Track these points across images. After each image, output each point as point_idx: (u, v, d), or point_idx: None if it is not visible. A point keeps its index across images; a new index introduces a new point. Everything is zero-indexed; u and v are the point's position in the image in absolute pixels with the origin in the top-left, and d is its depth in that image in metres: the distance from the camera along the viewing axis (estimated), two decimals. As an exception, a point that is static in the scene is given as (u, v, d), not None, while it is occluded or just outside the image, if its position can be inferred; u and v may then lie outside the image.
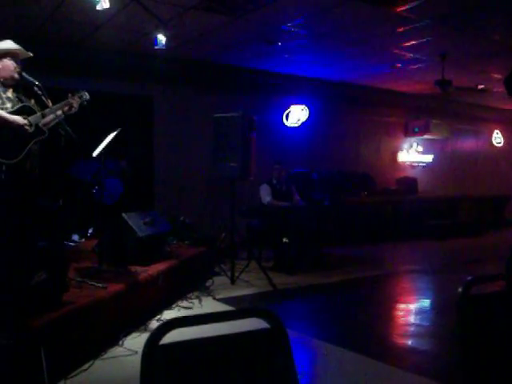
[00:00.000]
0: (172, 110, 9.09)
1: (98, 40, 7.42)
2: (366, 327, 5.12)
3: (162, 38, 6.45)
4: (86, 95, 4.52)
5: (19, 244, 3.73)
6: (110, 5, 5.51)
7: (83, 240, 6.85)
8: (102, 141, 5.23)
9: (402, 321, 5.48)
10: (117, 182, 7.10)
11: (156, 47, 6.47)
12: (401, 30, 7.21)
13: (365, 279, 7.23)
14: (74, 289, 4.16)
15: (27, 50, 4.43)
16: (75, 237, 6.73)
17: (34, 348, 3.14)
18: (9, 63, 4.24)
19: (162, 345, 1.29)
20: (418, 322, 5.33)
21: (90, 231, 7.03)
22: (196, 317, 1.31)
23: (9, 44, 4.32)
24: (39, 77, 4.30)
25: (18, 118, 4.04)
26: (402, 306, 6.12)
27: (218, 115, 6.43)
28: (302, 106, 10.46)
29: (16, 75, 4.25)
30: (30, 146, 4.02)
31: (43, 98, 4.19)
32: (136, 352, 4.03)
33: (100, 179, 6.73)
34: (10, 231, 3.74)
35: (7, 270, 3.44)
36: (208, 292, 5.93)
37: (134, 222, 5.27)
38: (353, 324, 5.22)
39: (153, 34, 6.58)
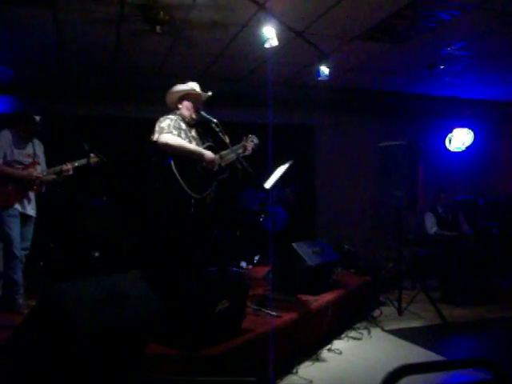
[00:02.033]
0: (333, 139, 9.20)
1: (262, 73, 7.73)
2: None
3: (324, 70, 6.56)
4: (256, 139, 4.80)
5: (204, 273, 3.99)
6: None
7: (250, 267, 7.14)
8: (266, 170, 5.37)
9: None
10: (281, 210, 7.33)
11: (319, 78, 6.58)
12: None
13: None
14: (250, 316, 4.31)
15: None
16: (243, 264, 7.02)
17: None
18: (187, 104, 4.59)
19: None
20: None
21: (257, 258, 7.31)
22: (425, 364, 1.31)
23: (186, 86, 4.66)
24: (208, 111, 4.61)
25: (210, 152, 4.36)
26: None
27: (384, 144, 6.39)
28: (466, 129, 10.01)
29: (194, 115, 4.58)
30: (214, 183, 4.32)
31: (220, 134, 4.45)
32: (311, 381, 4.10)
33: (266, 208, 7.01)
34: (197, 262, 4.00)
35: (193, 299, 3.64)
36: (376, 323, 5.83)
37: (304, 251, 5.36)
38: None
39: (315, 66, 6.72)
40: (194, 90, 4.65)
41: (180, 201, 4.16)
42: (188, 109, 4.60)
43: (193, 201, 4.17)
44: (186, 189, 4.11)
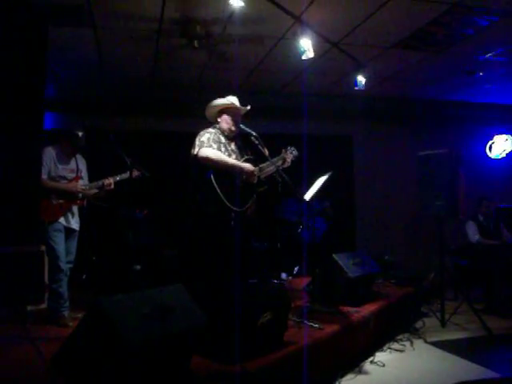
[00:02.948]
0: (371, 148, 9.15)
1: (299, 85, 7.75)
2: None
3: (361, 80, 6.52)
4: (296, 151, 4.81)
5: (246, 286, 4.00)
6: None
7: (290, 278, 7.13)
8: (301, 181, 5.35)
9: None
10: (320, 221, 7.31)
11: (356, 88, 6.55)
12: None
13: None
14: (292, 328, 4.29)
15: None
16: (283, 275, 7.02)
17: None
18: (226, 118, 4.64)
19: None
20: None
21: (296, 269, 7.29)
22: (480, 381, 1.29)
23: (224, 100, 4.70)
24: (246, 124, 4.63)
25: (249, 165, 4.38)
26: None
27: (423, 153, 6.29)
28: (507, 136, 9.84)
29: (233, 128, 4.62)
30: (254, 195, 4.34)
31: (260, 147, 4.47)
32: (354, 394, 4.07)
33: (305, 219, 6.99)
34: (239, 275, 4.01)
35: (237, 312, 3.65)
36: (418, 334, 5.72)
37: (344, 262, 5.32)
38: None
39: (351, 76, 6.70)
40: (233, 103, 4.70)
41: (220, 214, 4.20)
42: (227, 122, 4.64)
43: (233, 214, 4.20)
44: (226, 202, 4.15)
